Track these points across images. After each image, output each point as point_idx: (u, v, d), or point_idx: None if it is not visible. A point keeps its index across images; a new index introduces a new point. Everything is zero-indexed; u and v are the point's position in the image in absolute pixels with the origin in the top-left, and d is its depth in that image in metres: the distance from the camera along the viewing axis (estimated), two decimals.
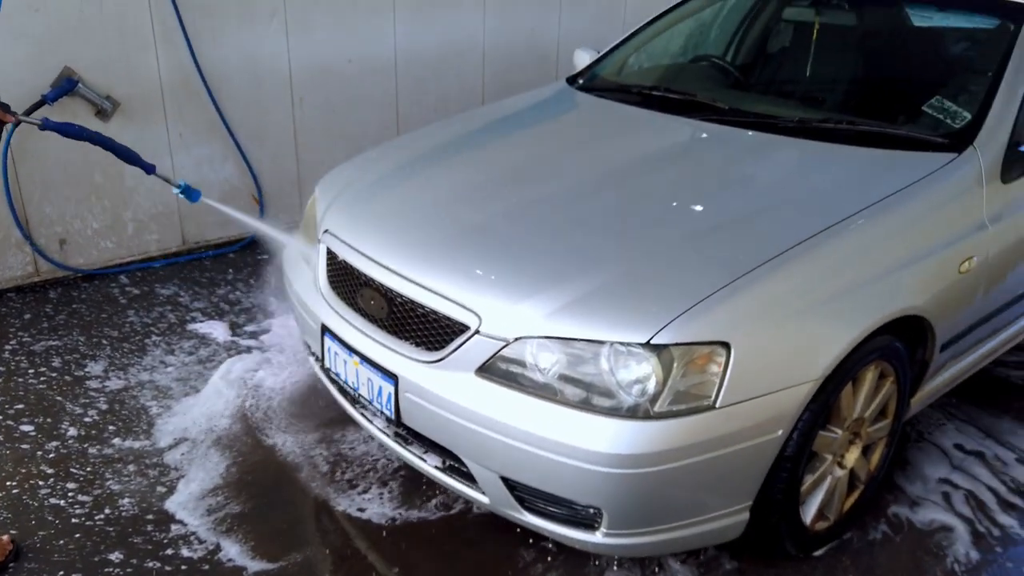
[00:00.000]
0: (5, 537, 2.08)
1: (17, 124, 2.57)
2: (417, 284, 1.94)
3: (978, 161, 2.22)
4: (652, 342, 1.67)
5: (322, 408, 2.69)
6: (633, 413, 1.69)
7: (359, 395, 2.12)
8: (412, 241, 2.08)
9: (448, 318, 1.88)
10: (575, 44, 5.12)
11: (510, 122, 2.86)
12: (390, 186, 2.43)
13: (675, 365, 1.68)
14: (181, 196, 2.74)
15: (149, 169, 2.69)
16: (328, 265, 2.28)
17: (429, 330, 1.92)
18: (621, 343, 1.70)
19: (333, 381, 2.28)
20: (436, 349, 1.90)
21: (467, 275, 1.91)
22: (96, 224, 3.61)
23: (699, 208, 2.09)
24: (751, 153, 2.39)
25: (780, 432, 1.79)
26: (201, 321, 3.27)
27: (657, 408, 1.68)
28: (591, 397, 1.73)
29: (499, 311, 1.81)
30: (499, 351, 1.80)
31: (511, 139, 2.65)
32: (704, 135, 2.51)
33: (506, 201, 2.21)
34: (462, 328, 1.85)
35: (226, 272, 3.74)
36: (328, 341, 2.20)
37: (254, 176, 3.98)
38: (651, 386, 1.69)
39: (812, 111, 2.60)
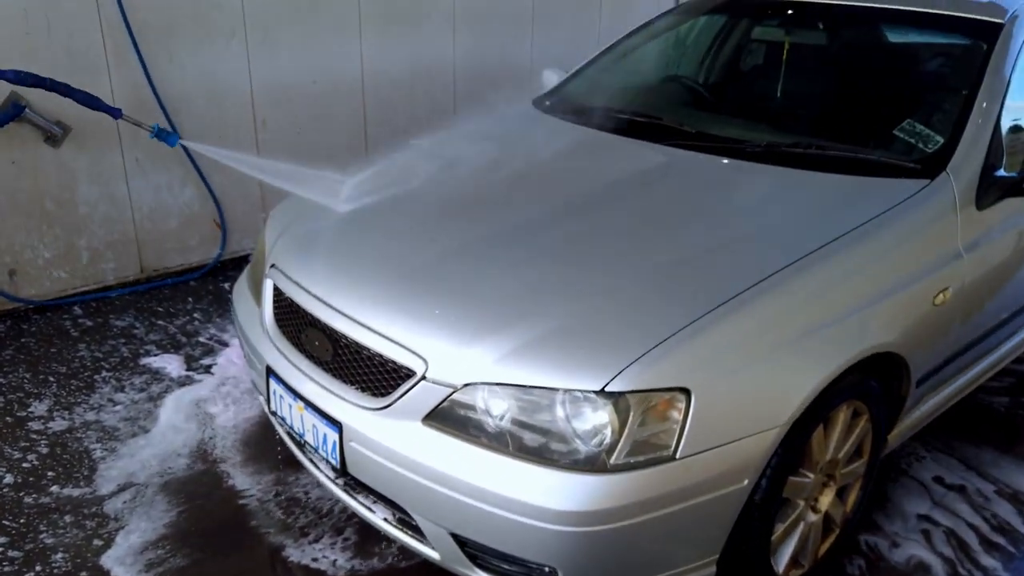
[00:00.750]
0: None
1: None
2: (362, 325, 1.83)
3: (952, 187, 2.14)
4: (607, 389, 1.56)
5: (275, 448, 2.56)
6: (589, 465, 1.58)
7: (304, 441, 2.00)
8: (358, 279, 1.96)
9: (394, 362, 1.76)
10: (549, 64, 5.05)
11: (469, 148, 2.75)
12: (339, 219, 2.31)
13: (632, 413, 1.57)
14: (155, 140, 2.76)
15: (116, 113, 2.77)
16: (274, 302, 2.16)
17: (374, 375, 1.81)
18: (574, 390, 1.59)
19: (280, 425, 2.16)
20: (382, 395, 1.79)
21: (413, 317, 1.79)
22: (48, 253, 3.47)
23: (661, 242, 1.98)
24: (717, 181, 2.30)
25: (746, 482, 1.68)
26: (155, 355, 3.14)
27: (613, 460, 1.57)
28: (543, 448, 1.62)
29: (446, 355, 1.70)
30: (447, 398, 1.68)
31: (468, 167, 2.54)
32: (669, 162, 2.41)
33: (458, 237, 2.09)
34: (408, 373, 1.73)
35: (186, 301, 3.61)
36: (273, 383, 2.08)
37: (216, 201, 3.86)
38: (607, 436, 1.58)
39: (781, 135, 2.51)
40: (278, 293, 2.14)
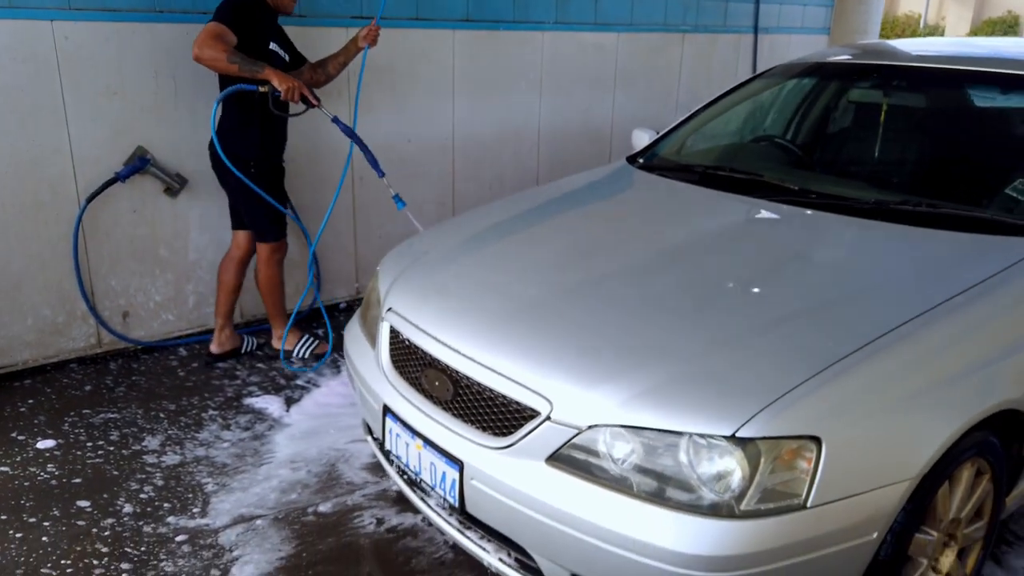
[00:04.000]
0: None
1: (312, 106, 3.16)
2: (485, 367, 1.89)
3: None
4: (737, 435, 1.58)
5: (383, 486, 2.62)
6: (715, 511, 1.59)
7: (420, 480, 2.05)
8: (478, 321, 2.04)
9: (517, 403, 1.81)
10: (628, 124, 5.17)
11: (572, 200, 2.85)
12: (454, 264, 2.41)
13: (763, 460, 1.58)
14: (394, 200, 3.29)
15: (381, 174, 3.31)
16: (391, 344, 2.25)
17: (497, 415, 1.86)
18: (703, 435, 1.61)
19: (392, 464, 2.21)
20: (504, 435, 1.83)
21: (538, 358, 1.85)
22: (158, 297, 3.66)
23: (777, 292, 2.01)
24: (830, 237, 2.32)
25: (875, 535, 1.66)
26: (257, 395, 3.25)
27: (743, 506, 1.58)
28: (669, 491, 1.63)
29: (571, 397, 1.74)
30: (571, 439, 1.72)
31: (574, 217, 2.63)
32: (775, 216, 2.45)
33: (573, 280, 2.16)
34: (532, 414, 1.78)
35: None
36: (390, 422, 2.14)
37: (312, 251, 4.02)
38: (736, 482, 1.59)
39: (884, 193, 2.53)
40: (395, 335, 2.23)
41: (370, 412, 2.30)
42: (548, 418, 1.75)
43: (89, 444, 2.86)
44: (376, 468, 2.75)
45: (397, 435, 2.12)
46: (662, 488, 1.64)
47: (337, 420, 3.06)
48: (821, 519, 1.59)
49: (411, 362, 2.14)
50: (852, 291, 1.96)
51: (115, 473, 2.70)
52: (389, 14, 3.86)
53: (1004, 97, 2.78)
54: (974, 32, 20.07)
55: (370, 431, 2.43)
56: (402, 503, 2.55)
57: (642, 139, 3.47)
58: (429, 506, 2.09)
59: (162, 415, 3.08)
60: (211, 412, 3.11)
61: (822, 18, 6.46)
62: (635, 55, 5.18)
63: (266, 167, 3.33)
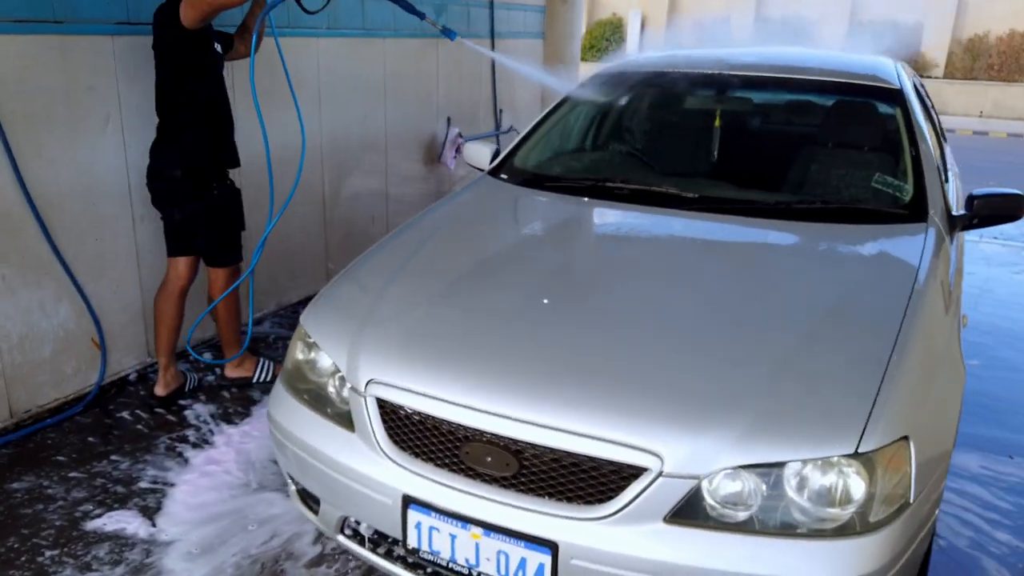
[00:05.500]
0: None
1: None
2: (563, 431, 1.67)
3: (938, 227, 2.52)
4: (859, 451, 1.61)
5: None
6: (850, 530, 1.61)
7: (478, 573, 1.77)
8: (522, 380, 1.79)
9: (614, 463, 1.64)
10: (401, 133, 5.02)
11: (478, 223, 2.67)
12: (428, 315, 2.09)
13: (878, 470, 1.63)
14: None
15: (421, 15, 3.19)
16: (387, 422, 1.89)
17: (586, 482, 1.66)
18: (824, 458, 1.62)
19: (418, 565, 1.87)
20: (600, 501, 1.65)
21: (626, 411, 1.69)
22: None
23: (784, 305, 2.05)
24: (766, 244, 2.46)
25: (937, 510, 1.83)
26: (98, 515, 2.52)
27: (872, 519, 1.62)
28: (800, 521, 1.61)
29: (682, 447, 1.62)
30: (690, 491, 1.61)
31: (516, 245, 2.45)
32: (705, 226, 2.52)
33: (577, 317, 2.02)
34: (635, 472, 1.63)
35: (87, 443, 2.95)
36: (417, 515, 1.80)
37: (93, 315, 3.22)
38: (861, 497, 1.62)
39: (772, 194, 2.76)
40: (393, 411, 1.88)
41: (368, 510, 1.91)
42: (660, 474, 1.61)
43: None
44: (333, 558, 2.31)
45: (433, 528, 1.80)
46: (791, 520, 1.62)
47: (242, 507, 2.52)
48: (920, 509, 1.70)
49: (432, 440, 1.82)
50: (836, 294, 2.07)
51: None
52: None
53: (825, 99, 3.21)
54: (589, 32, 22.80)
55: (368, 536, 2.02)
56: None
57: (482, 152, 3.36)
58: None
59: None
60: (49, 554, 2.34)
61: (538, 23, 6.84)
62: (401, 60, 4.98)
63: (225, 176, 3.16)
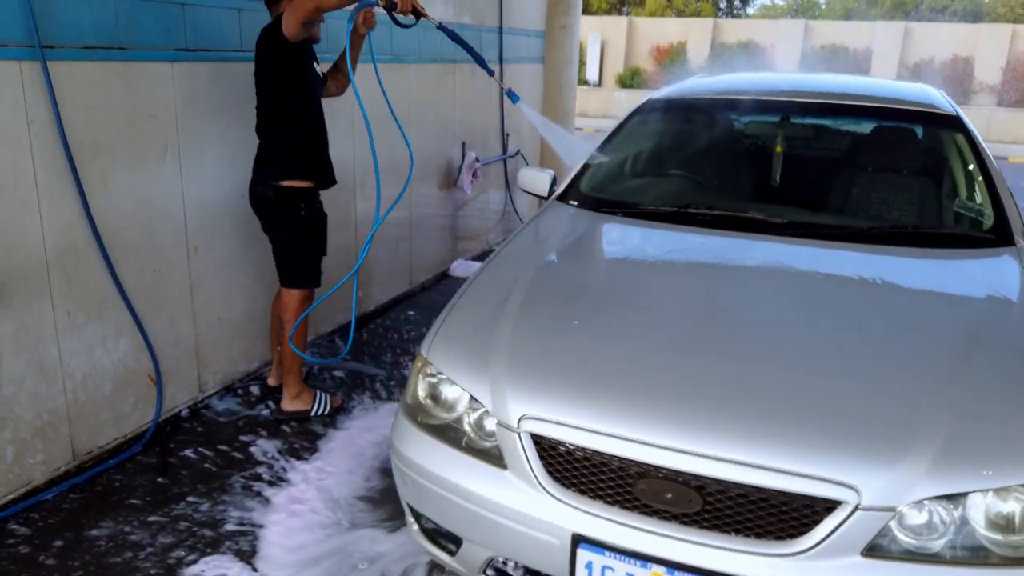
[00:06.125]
0: None
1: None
2: (753, 466, 1.65)
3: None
4: None
5: None
6: None
7: None
8: (704, 414, 1.77)
9: (807, 497, 1.63)
10: (423, 159, 4.95)
11: (593, 255, 2.65)
12: (581, 350, 2.04)
13: None
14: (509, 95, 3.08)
15: (491, 72, 3.13)
16: (544, 458, 1.85)
17: (778, 516, 1.65)
18: (1008, 487, 1.63)
19: None
20: (791, 537, 1.64)
21: (817, 443, 1.68)
22: None
23: (922, 331, 2.07)
24: (869, 266, 2.47)
25: None
26: (192, 561, 2.41)
27: None
28: (992, 552, 1.62)
29: (878, 479, 1.62)
30: (887, 523, 1.61)
31: (627, 274, 2.45)
32: (805, 254, 2.54)
33: (737, 346, 2.01)
34: (831, 506, 1.62)
35: (155, 484, 2.82)
36: (588, 554, 1.77)
37: (151, 351, 3.09)
38: None
39: (863, 220, 2.80)
40: (548, 447, 1.84)
41: (520, 548, 1.87)
42: (857, 507, 1.61)
43: None
44: None
45: (607, 568, 1.76)
46: (982, 548, 1.63)
47: (343, 547, 2.44)
48: None
49: (601, 476, 1.79)
50: (965, 320, 2.12)
51: None
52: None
53: (877, 124, 3.29)
54: None
55: (492, 570, 1.97)
56: None
57: (540, 179, 3.36)
58: None
59: None
60: None
61: (539, 48, 6.88)
62: (424, 86, 4.95)
63: (316, 197, 3.17)
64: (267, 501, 2.74)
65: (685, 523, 1.71)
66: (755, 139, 3.45)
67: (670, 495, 1.72)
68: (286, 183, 3.05)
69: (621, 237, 2.83)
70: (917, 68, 20.85)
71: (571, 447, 1.82)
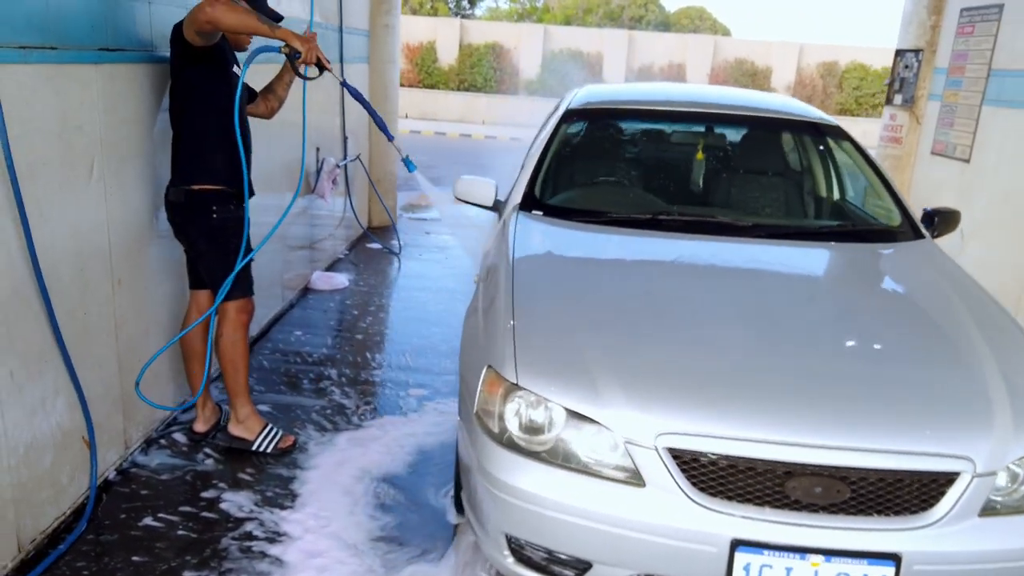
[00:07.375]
0: None
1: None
2: (886, 452, 1.87)
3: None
4: None
5: None
6: None
7: None
8: (834, 409, 1.96)
9: (933, 473, 1.88)
10: (284, 165, 4.67)
11: (608, 263, 2.74)
12: (680, 360, 2.14)
13: None
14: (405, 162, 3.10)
15: (391, 137, 3.17)
16: (686, 471, 1.91)
17: (911, 493, 1.88)
18: None
19: None
20: (922, 510, 1.88)
21: (930, 424, 1.93)
22: None
23: (907, 313, 2.47)
24: (811, 260, 2.84)
25: None
26: None
27: None
28: None
29: (986, 447, 1.90)
30: (993, 486, 1.90)
31: (662, 279, 2.61)
32: (773, 251, 2.83)
33: (791, 342, 2.23)
34: (951, 478, 1.88)
35: (130, 561, 2.39)
36: (746, 556, 1.86)
37: (85, 408, 2.60)
38: None
39: (796, 220, 3.18)
40: (688, 460, 1.91)
41: (670, 562, 1.91)
42: (975, 475, 1.88)
43: None
44: None
45: (765, 566, 1.86)
46: None
47: None
48: None
49: (749, 480, 1.89)
50: (937, 304, 2.52)
51: None
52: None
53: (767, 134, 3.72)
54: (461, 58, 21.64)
55: None
56: None
57: (484, 188, 3.36)
58: None
59: None
60: None
61: (364, 48, 6.67)
62: None
63: (238, 202, 2.90)
64: (280, 561, 2.45)
65: (833, 512, 1.88)
66: (685, 147, 3.71)
67: (819, 489, 1.88)
68: (196, 187, 2.84)
69: (629, 247, 2.86)
70: (641, 72, 23.20)
71: (714, 456, 1.90)
